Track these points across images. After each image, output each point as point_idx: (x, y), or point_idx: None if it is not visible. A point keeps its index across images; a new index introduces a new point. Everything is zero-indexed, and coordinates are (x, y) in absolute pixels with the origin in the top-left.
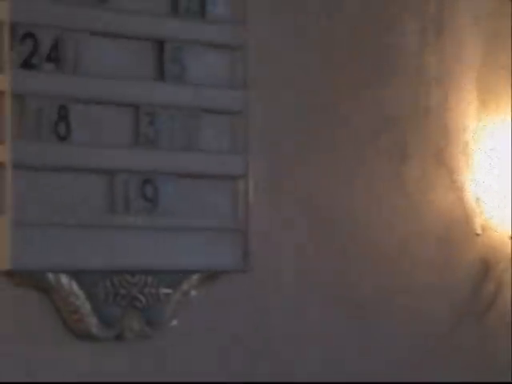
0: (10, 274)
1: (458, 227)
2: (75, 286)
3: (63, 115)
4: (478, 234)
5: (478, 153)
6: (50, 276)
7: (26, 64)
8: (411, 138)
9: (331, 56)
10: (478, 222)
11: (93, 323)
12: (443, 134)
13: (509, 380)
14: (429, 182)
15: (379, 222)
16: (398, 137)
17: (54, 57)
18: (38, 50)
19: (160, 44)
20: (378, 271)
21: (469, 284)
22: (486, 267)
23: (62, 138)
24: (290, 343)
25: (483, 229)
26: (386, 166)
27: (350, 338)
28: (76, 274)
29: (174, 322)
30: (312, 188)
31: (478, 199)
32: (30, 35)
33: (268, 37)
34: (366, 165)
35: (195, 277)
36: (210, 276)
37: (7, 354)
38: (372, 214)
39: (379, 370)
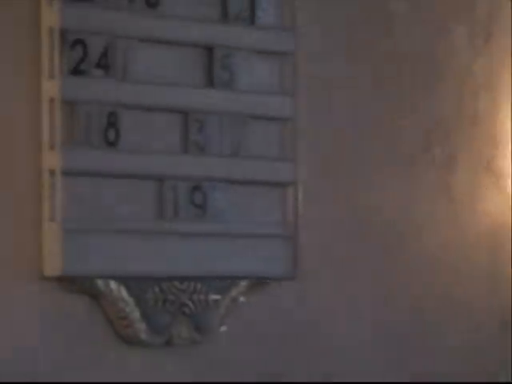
0: (60, 279)
1: (507, 235)
2: (124, 292)
3: (112, 121)
4: None
5: None
6: (100, 282)
7: (76, 71)
8: (459, 146)
9: (380, 64)
10: None
11: (142, 329)
12: (492, 142)
13: None
14: (477, 190)
15: (429, 231)
16: (447, 145)
17: (104, 63)
18: (87, 57)
19: (209, 50)
20: (428, 279)
21: None
22: None
23: (112, 144)
24: (337, 351)
25: None
26: (434, 175)
27: (407, 344)
28: (125, 280)
29: (223, 329)
30: (361, 196)
31: None
32: (79, 42)
33: (317, 44)
34: (415, 173)
35: (244, 283)
36: (259, 283)
37: (57, 359)
38: (422, 223)
39: (440, 372)
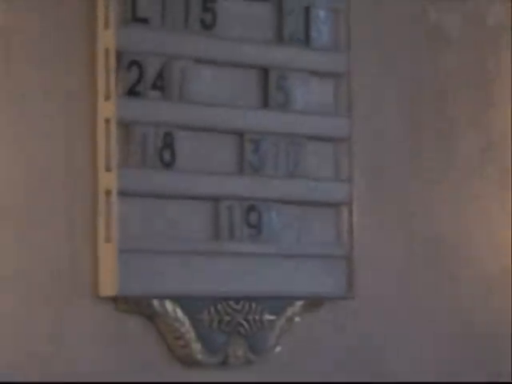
0: (115, 299)
1: None
2: (180, 313)
3: (168, 142)
4: None
5: None
6: (155, 302)
7: (132, 92)
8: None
9: (435, 84)
10: None
11: (197, 349)
12: None
13: None
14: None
15: (484, 247)
16: (501, 163)
17: (160, 84)
18: (143, 78)
19: (265, 71)
20: (486, 295)
21: None
22: None
23: (167, 165)
24: (393, 370)
25: None
26: (489, 192)
27: (460, 361)
28: (180, 301)
29: (278, 349)
30: (416, 215)
31: None
32: (135, 63)
33: (371, 64)
34: (471, 191)
35: (299, 303)
36: (314, 303)
37: (113, 378)
38: (477, 239)
39: None
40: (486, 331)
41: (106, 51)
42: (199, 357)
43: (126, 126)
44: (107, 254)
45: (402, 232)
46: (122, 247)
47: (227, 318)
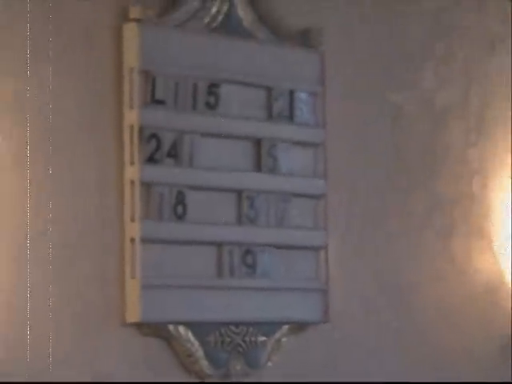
0: (139, 325)
1: (494, 290)
2: (191, 335)
3: (181, 199)
4: None
5: None
6: (171, 327)
7: (151, 159)
8: (458, 217)
9: (393, 154)
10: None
11: (205, 365)
12: (485, 214)
13: None
14: (473, 253)
15: (435, 289)
16: (447, 217)
17: (173, 153)
18: (160, 148)
19: (258, 142)
20: (441, 328)
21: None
22: None
23: (180, 218)
24: (356, 369)
25: None
26: (437, 243)
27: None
28: (191, 326)
29: (269, 364)
30: (378, 259)
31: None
32: (154, 136)
33: (343, 136)
34: (423, 242)
35: (286, 327)
36: (298, 326)
37: None
38: (429, 283)
39: None
40: (450, 352)
41: (131, 127)
42: (207, 371)
43: (147, 186)
44: (132, 288)
45: (367, 271)
46: (144, 283)
47: (228, 340)
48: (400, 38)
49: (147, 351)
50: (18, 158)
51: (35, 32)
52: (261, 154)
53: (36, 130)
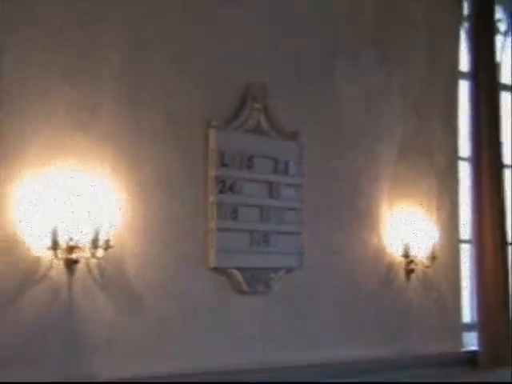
0: (215, 268)
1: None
2: (240, 276)
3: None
4: None
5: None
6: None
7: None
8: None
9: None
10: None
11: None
12: (375, 214)
13: None
14: (363, 243)
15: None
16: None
17: None
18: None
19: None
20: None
21: None
22: None
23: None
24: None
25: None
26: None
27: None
28: (242, 270)
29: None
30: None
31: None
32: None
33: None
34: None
35: (283, 270)
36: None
37: None
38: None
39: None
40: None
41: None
42: None
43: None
44: (211, 252)
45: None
46: (217, 248)
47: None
48: None
49: (217, 282)
50: None
51: None
52: None
53: None
